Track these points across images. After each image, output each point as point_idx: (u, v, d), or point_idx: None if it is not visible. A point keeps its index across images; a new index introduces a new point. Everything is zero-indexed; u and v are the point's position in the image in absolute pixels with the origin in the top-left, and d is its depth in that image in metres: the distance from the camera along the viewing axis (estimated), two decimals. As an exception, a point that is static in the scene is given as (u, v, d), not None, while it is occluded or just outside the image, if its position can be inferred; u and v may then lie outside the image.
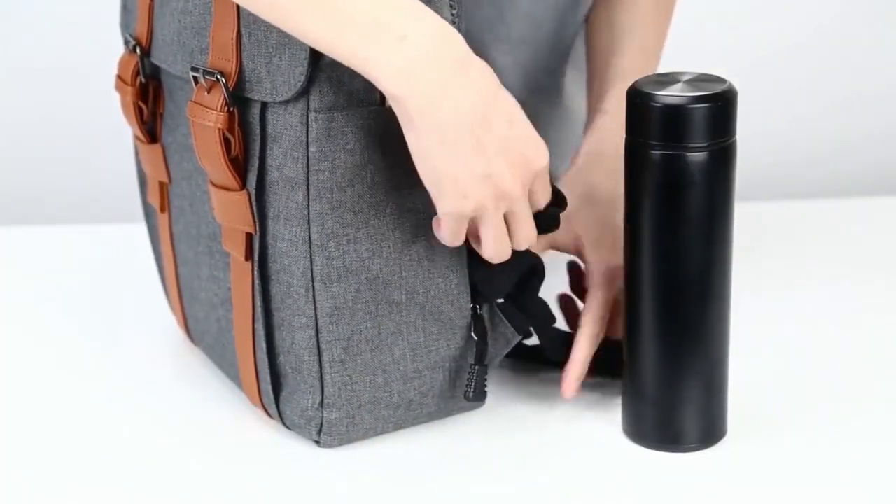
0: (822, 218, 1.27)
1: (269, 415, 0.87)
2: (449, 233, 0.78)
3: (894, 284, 1.11)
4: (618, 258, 0.86)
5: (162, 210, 0.95)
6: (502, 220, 0.78)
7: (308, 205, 0.79)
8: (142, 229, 1.05)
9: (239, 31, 0.79)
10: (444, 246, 0.82)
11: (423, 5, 0.75)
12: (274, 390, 0.85)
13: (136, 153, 0.98)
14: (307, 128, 0.77)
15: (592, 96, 1.01)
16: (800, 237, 1.22)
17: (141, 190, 1.01)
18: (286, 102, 0.77)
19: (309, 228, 0.79)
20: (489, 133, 0.75)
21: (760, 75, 1.51)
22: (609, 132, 0.94)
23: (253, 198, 0.81)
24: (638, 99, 0.79)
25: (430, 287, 0.83)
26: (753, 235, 1.23)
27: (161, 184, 0.94)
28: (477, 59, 0.76)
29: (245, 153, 0.81)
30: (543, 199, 0.81)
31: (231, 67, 0.79)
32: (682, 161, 0.78)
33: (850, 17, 1.52)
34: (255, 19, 0.77)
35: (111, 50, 1.02)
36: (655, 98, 0.78)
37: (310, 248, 0.79)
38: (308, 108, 0.77)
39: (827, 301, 1.07)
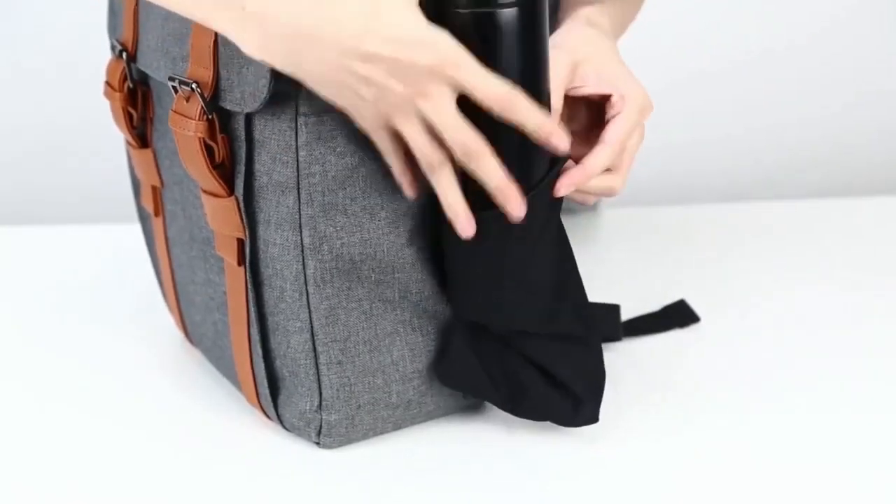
0: (823, 218, 1.27)
1: (268, 417, 0.87)
2: (383, 152, 0.77)
3: (894, 284, 1.11)
4: (649, 100, 0.83)
5: (156, 214, 0.95)
6: (421, 133, 0.75)
7: (299, 209, 0.79)
8: (140, 229, 1.05)
9: (216, 40, 0.78)
10: (438, 249, 0.82)
11: None
12: (272, 394, 0.85)
13: (129, 157, 0.98)
14: (296, 132, 0.77)
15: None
16: (800, 237, 1.22)
17: (135, 194, 1.01)
18: (273, 107, 0.77)
19: (300, 232, 0.79)
20: (370, 63, 0.72)
21: (761, 75, 1.51)
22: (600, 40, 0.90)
23: (241, 203, 0.80)
24: None
25: (423, 288, 0.83)
26: (753, 235, 1.23)
27: (154, 188, 0.94)
28: (329, 3, 0.72)
29: (231, 159, 0.81)
30: (476, 86, 0.73)
31: (209, 76, 0.79)
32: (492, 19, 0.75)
33: (851, 17, 1.52)
34: None
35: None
36: None
37: (302, 251, 0.79)
38: (297, 113, 0.77)
39: (827, 301, 1.07)
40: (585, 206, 0.87)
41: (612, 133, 0.82)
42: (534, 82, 0.77)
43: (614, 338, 0.99)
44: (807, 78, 1.53)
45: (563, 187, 0.80)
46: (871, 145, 1.55)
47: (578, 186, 0.81)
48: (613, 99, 0.84)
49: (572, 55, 0.84)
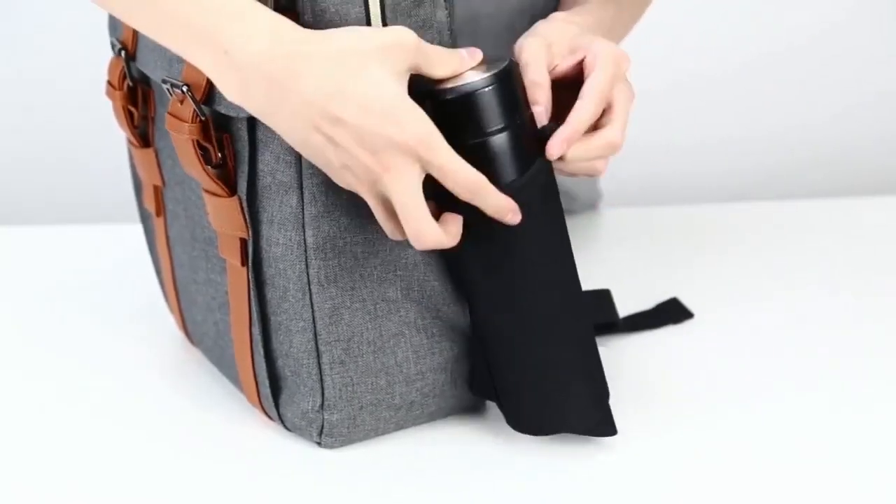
0: (823, 218, 1.27)
1: (270, 417, 0.87)
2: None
3: (894, 284, 1.11)
4: (622, 51, 0.83)
5: (157, 214, 0.95)
6: (378, 206, 0.75)
7: (303, 208, 0.79)
8: (141, 230, 1.05)
9: None
10: (439, 253, 0.82)
11: (248, 3, 0.73)
12: (273, 393, 0.85)
13: (131, 157, 0.98)
14: None
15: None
16: (800, 237, 1.22)
17: (136, 194, 1.01)
18: None
19: (304, 232, 0.79)
20: (338, 126, 0.72)
21: (761, 76, 1.51)
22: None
23: (244, 203, 0.80)
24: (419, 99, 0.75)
25: (426, 287, 0.83)
26: (754, 235, 1.23)
27: (156, 188, 0.94)
28: (319, 49, 0.72)
29: (234, 159, 0.81)
30: (452, 176, 0.73)
31: (203, 79, 0.79)
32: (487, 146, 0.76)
33: (851, 18, 1.52)
34: None
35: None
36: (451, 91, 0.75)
37: (305, 251, 0.79)
38: None
39: (827, 301, 1.07)
40: (597, 176, 0.85)
41: (589, 86, 0.81)
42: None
43: (613, 321, 0.99)
44: (807, 79, 1.53)
45: (555, 146, 0.79)
46: (871, 146, 1.55)
47: (571, 142, 0.79)
48: (587, 59, 0.83)
49: (545, 38, 0.84)
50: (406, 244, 0.81)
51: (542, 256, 0.80)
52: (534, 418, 0.83)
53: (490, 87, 0.75)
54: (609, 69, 0.82)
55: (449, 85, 0.75)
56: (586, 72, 0.82)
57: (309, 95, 0.72)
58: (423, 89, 0.75)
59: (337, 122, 0.72)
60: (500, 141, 0.76)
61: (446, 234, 0.76)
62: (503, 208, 0.76)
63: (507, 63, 0.77)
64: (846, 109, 1.53)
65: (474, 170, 0.74)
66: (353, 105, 0.72)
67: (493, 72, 0.76)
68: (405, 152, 0.72)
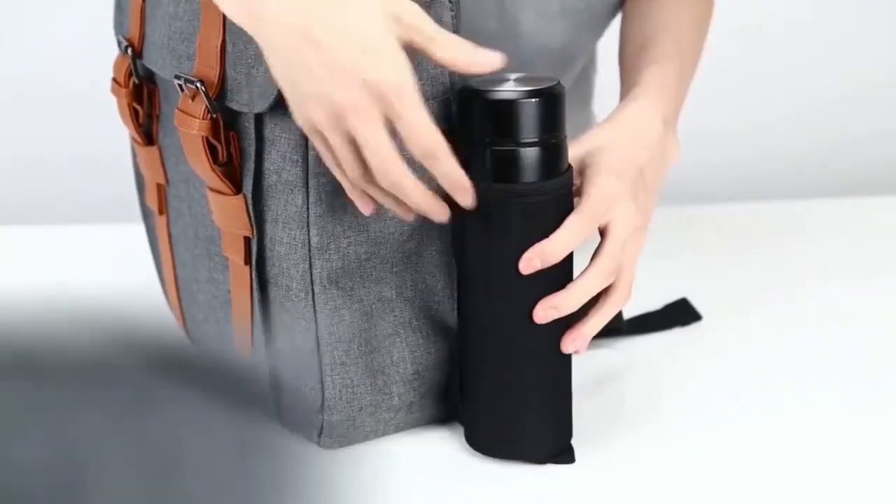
0: (822, 218, 1.27)
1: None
2: (319, 152, 0.75)
3: (894, 284, 1.11)
4: (623, 187, 0.81)
5: (160, 213, 0.95)
6: (343, 145, 0.72)
7: (308, 208, 0.79)
8: (142, 229, 1.05)
9: (224, 40, 0.78)
10: (434, 246, 0.82)
11: None
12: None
13: (134, 155, 0.98)
14: None
15: (624, 85, 0.99)
16: (800, 237, 1.22)
17: (139, 193, 1.01)
18: (284, 106, 0.77)
19: (308, 231, 0.79)
20: (315, 51, 0.70)
21: (760, 75, 1.51)
22: (640, 107, 0.90)
23: (250, 202, 0.80)
24: (466, 95, 0.77)
25: (417, 280, 0.83)
26: (754, 235, 1.23)
27: (159, 186, 0.94)
28: None
29: (240, 157, 0.81)
30: (413, 131, 0.71)
31: (214, 76, 0.79)
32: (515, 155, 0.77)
33: (851, 17, 1.52)
34: (240, 28, 0.76)
35: (113, 49, 1.02)
36: (487, 94, 0.76)
37: (309, 251, 0.79)
38: None
39: (826, 301, 1.07)
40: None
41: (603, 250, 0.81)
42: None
43: (618, 327, 0.98)
44: (808, 78, 1.53)
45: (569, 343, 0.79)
46: (872, 145, 1.55)
47: (583, 338, 0.79)
48: (606, 228, 0.81)
49: (585, 148, 0.84)
50: (407, 239, 0.81)
51: (541, 274, 0.78)
52: (488, 435, 0.82)
53: (529, 100, 0.76)
54: (621, 237, 0.81)
55: (495, 88, 0.76)
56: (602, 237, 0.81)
57: (298, 9, 0.70)
58: (472, 89, 0.76)
59: (315, 46, 0.70)
60: (530, 153, 0.76)
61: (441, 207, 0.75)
62: (456, 181, 0.73)
63: (555, 83, 0.77)
64: (847, 109, 1.54)
65: (437, 131, 0.72)
66: (334, 32, 0.70)
67: (540, 87, 0.77)
68: (375, 93, 0.70)
